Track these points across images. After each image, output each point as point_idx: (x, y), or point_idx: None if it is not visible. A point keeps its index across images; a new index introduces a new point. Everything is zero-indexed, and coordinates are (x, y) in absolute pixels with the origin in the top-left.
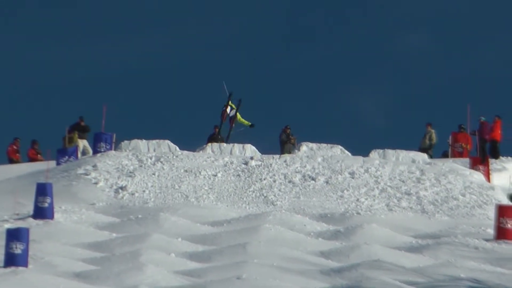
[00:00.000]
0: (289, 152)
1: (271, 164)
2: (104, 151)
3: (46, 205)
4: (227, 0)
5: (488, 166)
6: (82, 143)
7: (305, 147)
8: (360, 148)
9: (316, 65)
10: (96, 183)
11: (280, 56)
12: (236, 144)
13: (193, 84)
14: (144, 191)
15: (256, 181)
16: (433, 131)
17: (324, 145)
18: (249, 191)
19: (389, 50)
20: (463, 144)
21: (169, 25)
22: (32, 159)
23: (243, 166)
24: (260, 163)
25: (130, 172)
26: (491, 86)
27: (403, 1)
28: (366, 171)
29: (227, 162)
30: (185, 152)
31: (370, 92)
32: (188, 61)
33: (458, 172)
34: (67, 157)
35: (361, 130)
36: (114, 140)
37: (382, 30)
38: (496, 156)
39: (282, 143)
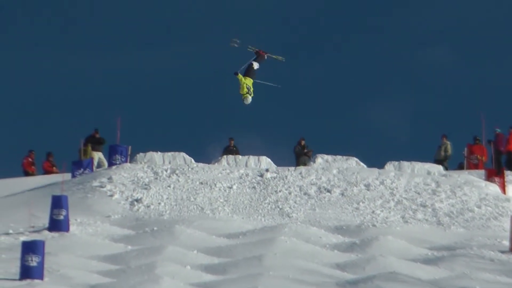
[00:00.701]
0: (304, 164)
1: (286, 176)
2: (120, 164)
3: (62, 217)
4: (246, 7)
5: (503, 177)
6: (97, 156)
7: (320, 159)
8: (375, 160)
9: (334, 77)
10: (111, 196)
11: (297, 66)
12: (251, 156)
13: (209, 96)
14: (159, 203)
15: (272, 193)
16: (448, 142)
17: (339, 157)
18: (265, 203)
19: (408, 62)
20: (478, 156)
21: (185, 38)
22: (47, 172)
23: (259, 178)
24: (275, 175)
25: (145, 185)
26: (508, 97)
27: (424, 14)
28: (382, 183)
29: (242, 174)
30: (201, 164)
31: (387, 104)
32: (204, 73)
33: (473, 184)
34: (82, 169)
35: (376, 142)
36: (129, 152)
37: (402, 43)
38: (511, 167)
39: (297, 155)
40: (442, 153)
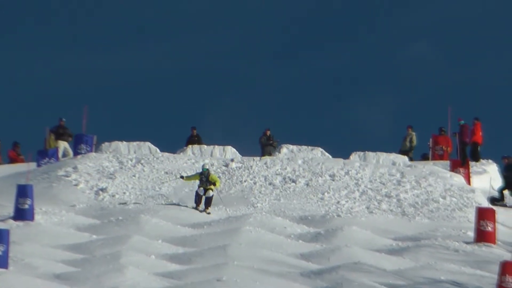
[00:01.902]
0: (270, 155)
1: (251, 166)
2: (85, 153)
3: (27, 206)
4: (217, 9)
5: (468, 168)
6: (63, 145)
7: (285, 149)
8: (340, 150)
9: (309, 72)
10: (76, 185)
11: (275, 62)
12: (216, 146)
13: (173, 87)
14: (124, 192)
15: (237, 183)
16: (413, 133)
17: (304, 147)
18: (230, 193)
19: (386, 59)
20: (443, 147)
21: (154, 34)
22: (12, 161)
23: (224, 168)
24: (240, 165)
25: (110, 174)
26: (484, 93)
27: (405, 12)
28: (347, 173)
29: (207, 164)
30: (166, 154)
31: (358, 97)
32: (171, 66)
33: (438, 175)
34: (47, 158)
35: (341, 133)
36: (94, 142)
37: (383, 40)
38: (476, 158)
39: (263, 146)
40: (407, 144)
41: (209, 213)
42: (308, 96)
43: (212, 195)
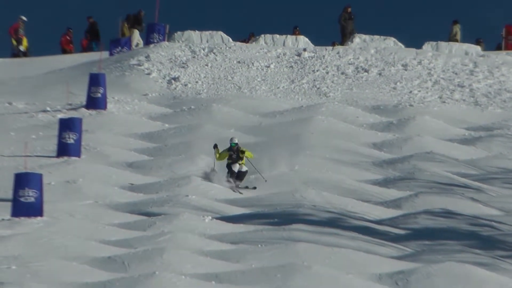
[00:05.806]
0: (351, 33)
1: (323, 56)
2: (157, 42)
3: (99, 95)
4: None
5: None
6: (136, 34)
7: (358, 39)
8: (413, 40)
9: None
10: (149, 74)
11: None
12: (289, 36)
13: None
14: (197, 82)
15: (309, 73)
16: (458, 26)
17: (377, 37)
18: (302, 83)
19: None
20: None
21: None
22: (85, 49)
23: (296, 57)
24: (313, 54)
25: (183, 63)
26: None
27: None
28: (419, 63)
29: (280, 54)
30: (238, 43)
31: None
32: None
33: (511, 65)
34: (120, 47)
35: (414, 22)
36: (167, 31)
37: None
38: None
39: (343, 24)
40: (452, 38)
41: (241, 193)
42: None
43: (246, 170)
